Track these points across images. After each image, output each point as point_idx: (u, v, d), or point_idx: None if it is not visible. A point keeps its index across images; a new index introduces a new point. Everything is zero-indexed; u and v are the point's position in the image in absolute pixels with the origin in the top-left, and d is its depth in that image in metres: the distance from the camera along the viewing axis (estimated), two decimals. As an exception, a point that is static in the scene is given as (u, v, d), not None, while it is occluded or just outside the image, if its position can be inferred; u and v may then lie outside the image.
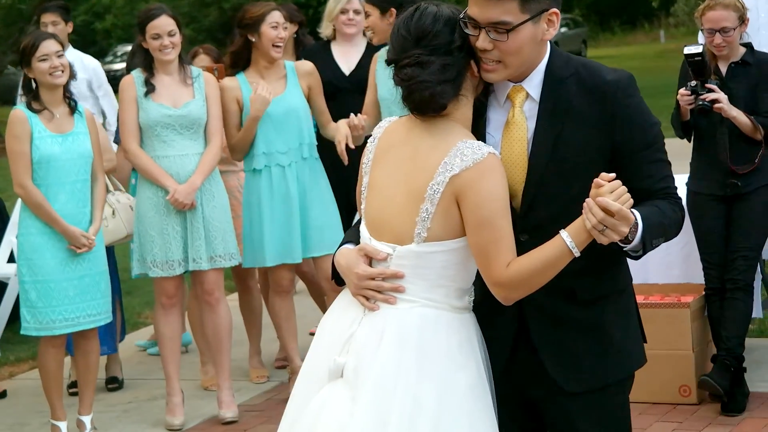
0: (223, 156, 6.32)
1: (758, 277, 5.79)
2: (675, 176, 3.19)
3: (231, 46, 6.29)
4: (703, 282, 5.74)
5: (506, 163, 3.03)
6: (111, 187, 6.18)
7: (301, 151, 6.14)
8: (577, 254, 2.90)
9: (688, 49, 5.46)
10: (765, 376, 5.86)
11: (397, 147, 3.09)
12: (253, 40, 6.09)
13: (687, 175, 5.80)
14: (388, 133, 3.14)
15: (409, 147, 3.06)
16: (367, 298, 3.06)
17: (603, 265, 3.09)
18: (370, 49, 6.63)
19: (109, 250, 6.19)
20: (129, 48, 10.55)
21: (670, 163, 3.12)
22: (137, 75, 5.93)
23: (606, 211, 2.81)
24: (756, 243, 5.65)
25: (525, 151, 3.04)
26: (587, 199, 2.84)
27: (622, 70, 3.11)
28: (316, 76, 6.27)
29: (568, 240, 2.90)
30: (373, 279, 3.04)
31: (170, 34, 5.86)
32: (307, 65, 6.31)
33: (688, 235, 5.81)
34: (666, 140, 3.14)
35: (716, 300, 5.65)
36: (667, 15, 39.71)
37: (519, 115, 3.05)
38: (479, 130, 3.08)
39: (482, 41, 2.96)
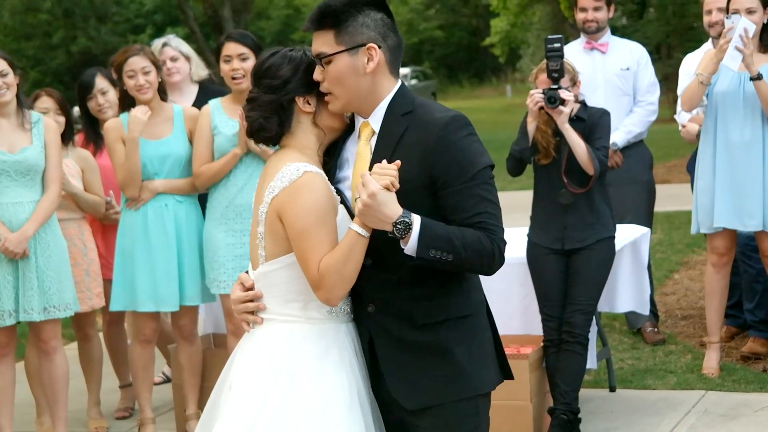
0: (64, 203, 6.21)
1: (593, 329, 5.94)
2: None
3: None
4: (542, 333, 5.86)
5: (354, 192, 3.26)
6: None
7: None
8: (363, 233, 3.15)
9: (550, 36, 5.72)
10: (599, 426, 5.98)
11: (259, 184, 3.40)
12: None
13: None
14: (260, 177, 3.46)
15: (260, 181, 3.37)
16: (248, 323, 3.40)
17: (438, 293, 3.28)
18: (202, 96, 6.63)
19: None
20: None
21: (493, 203, 3.23)
22: (-27, 119, 5.78)
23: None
24: (593, 297, 5.78)
25: None
26: None
27: (456, 111, 3.29)
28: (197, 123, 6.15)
29: (351, 225, 3.17)
30: (243, 303, 3.37)
31: (2, 75, 5.71)
32: (193, 110, 6.20)
33: (528, 287, 5.94)
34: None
35: (554, 352, 5.77)
36: (513, 70, 40.75)
37: (364, 147, 3.32)
38: (339, 162, 3.39)
39: (315, 73, 3.31)
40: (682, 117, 7.09)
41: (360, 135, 3.34)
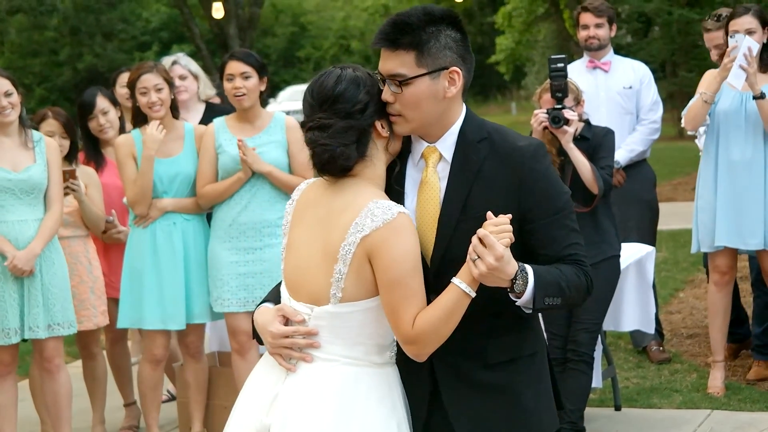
0: (70, 220, 6.22)
1: (599, 347, 5.93)
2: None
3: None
4: (546, 352, 5.84)
5: (420, 222, 3.10)
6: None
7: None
8: (472, 294, 2.95)
9: (553, 56, 5.72)
10: (605, 445, 5.99)
11: (312, 208, 3.16)
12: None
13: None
14: (305, 194, 3.21)
15: (322, 208, 3.13)
16: (285, 358, 3.12)
17: (511, 329, 3.15)
18: (209, 115, 6.64)
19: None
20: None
21: (579, 232, 3.15)
22: (-25, 138, 5.79)
23: (482, 241, 2.90)
24: (598, 316, 5.78)
25: (437, 211, 3.10)
26: None
27: (533, 138, 3.20)
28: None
29: (459, 283, 2.96)
30: (288, 337, 3.08)
31: (6, 95, 5.73)
32: (201, 128, 6.19)
33: (533, 306, 5.93)
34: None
35: (559, 370, 5.76)
36: (518, 88, 40.73)
37: (432, 175, 3.13)
38: (394, 188, 3.15)
39: (384, 93, 3.08)
40: (702, 142, 7.07)
41: (426, 161, 3.14)
